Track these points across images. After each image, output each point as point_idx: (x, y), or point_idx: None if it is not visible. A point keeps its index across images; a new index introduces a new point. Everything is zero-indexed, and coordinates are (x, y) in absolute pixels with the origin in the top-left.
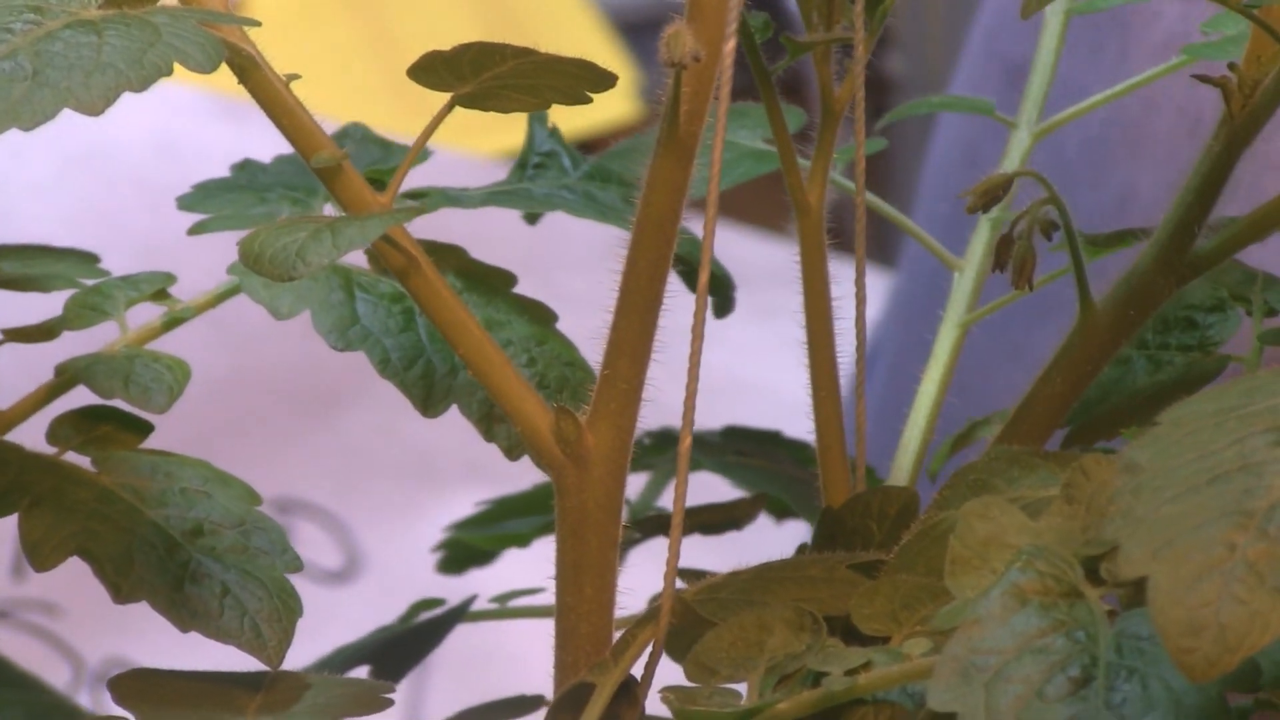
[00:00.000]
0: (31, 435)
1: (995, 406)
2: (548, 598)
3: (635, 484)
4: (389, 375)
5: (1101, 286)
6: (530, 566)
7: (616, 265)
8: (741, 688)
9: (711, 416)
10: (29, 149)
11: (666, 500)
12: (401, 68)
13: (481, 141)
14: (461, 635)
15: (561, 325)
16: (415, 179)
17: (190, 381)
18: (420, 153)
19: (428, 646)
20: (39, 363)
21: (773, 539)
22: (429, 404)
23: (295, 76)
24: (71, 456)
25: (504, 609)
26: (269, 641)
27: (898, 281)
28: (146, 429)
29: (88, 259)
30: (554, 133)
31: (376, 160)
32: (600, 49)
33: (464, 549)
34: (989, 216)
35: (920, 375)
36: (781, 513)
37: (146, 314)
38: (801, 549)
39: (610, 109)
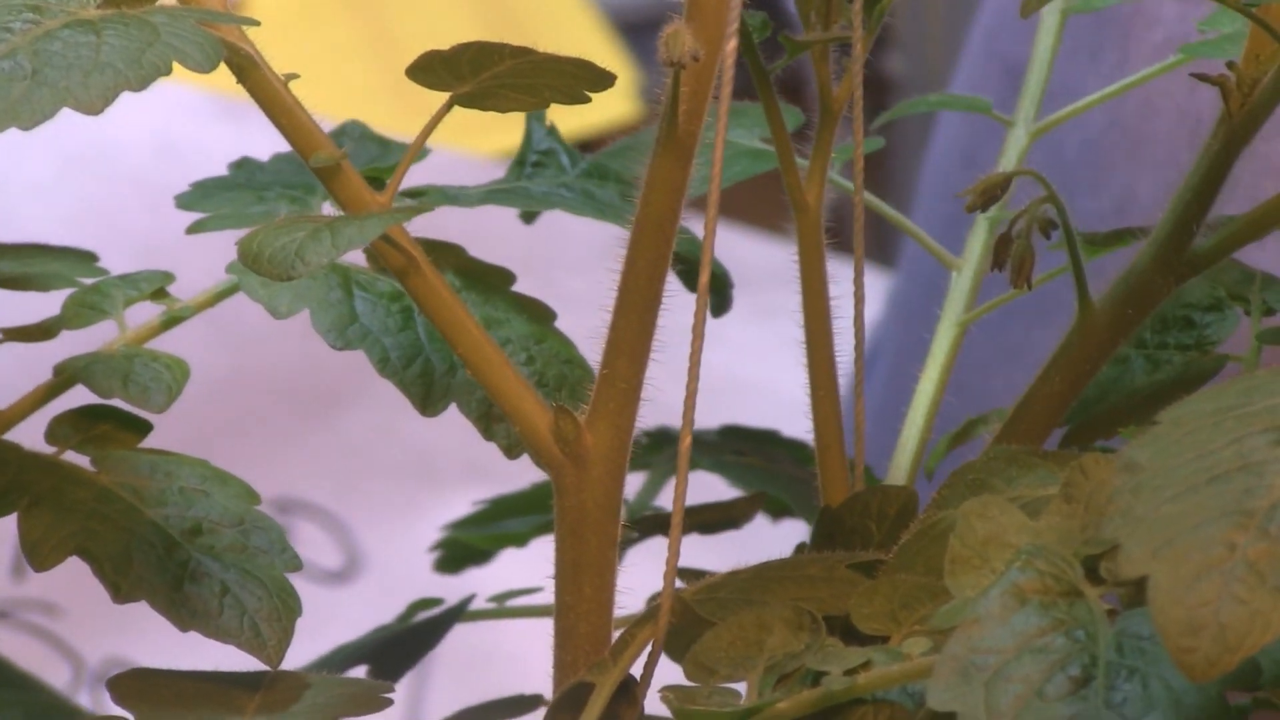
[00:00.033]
0: (30, 435)
1: (994, 406)
2: (546, 597)
3: (633, 483)
4: (388, 374)
5: (1100, 286)
6: (529, 566)
7: (615, 264)
8: (741, 687)
9: (710, 416)
10: (29, 149)
11: (664, 499)
12: (401, 67)
13: (481, 141)
14: (461, 635)
15: (560, 324)
16: (414, 178)
17: (189, 381)
18: (419, 151)
19: (426, 646)
20: (37, 362)
21: (771, 538)
22: (428, 403)
23: (294, 76)
24: (70, 456)
25: (503, 608)
26: (268, 641)
27: (897, 281)
28: (145, 428)
29: (86, 258)
30: (552, 131)
31: (375, 158)
32: (600, 49)
33: (461, 548)
34: (987, 216)
35: (913, 377)
36: (778, 511)
37: (145, 313)
38: (800, 548)
39: (610, 109)
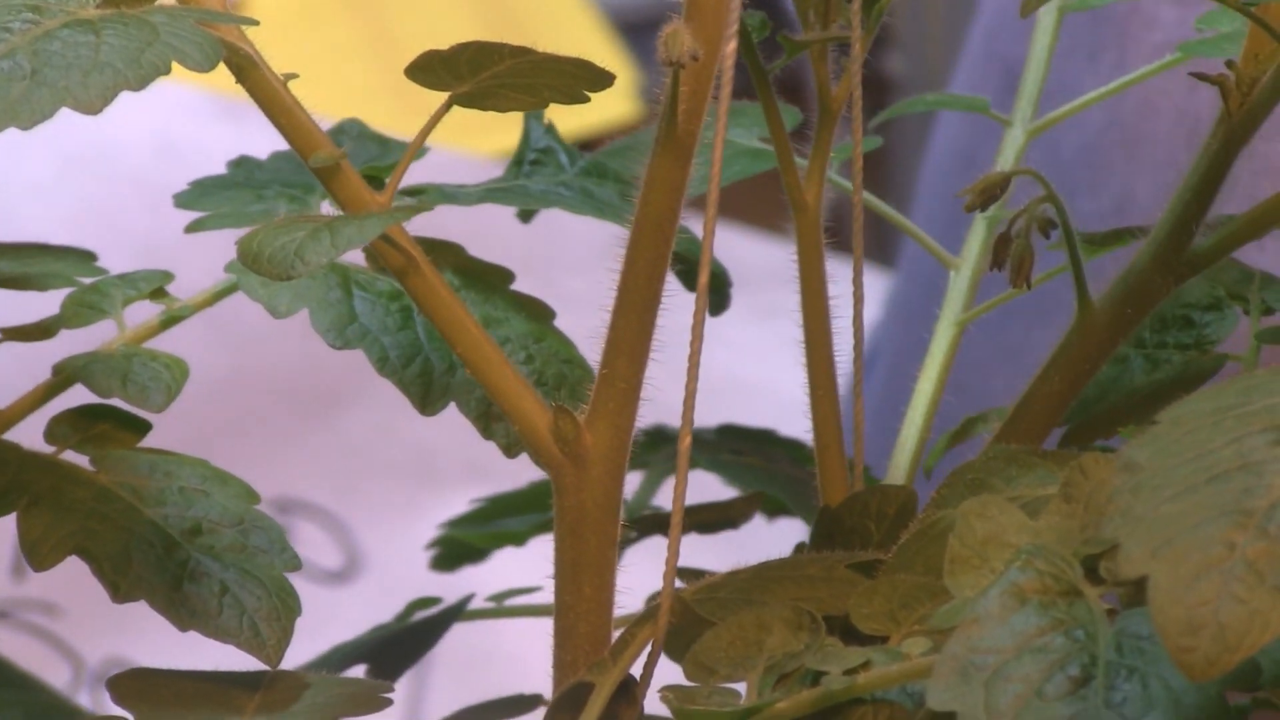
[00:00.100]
0: (29, 434)
1: (993, 406)
2: (546, 596)
3: (631, 482)
4: (387, 373)
5: (1099, 285)
6: (528, 565)
7: (615, 264)
8: (740, 687)
9: (709, 416)
10: (29, 149)
11: (662, 499)
12: (401, 67)
13: (480, 141)
14: (460, 634)
15: (560, 324)
16: (413, 177)
17: (189, 381)
18: (418, 151)
19: (425, 645)
20: (37, 361)
21: (771, 538)
22: (427, 402)
23: (293, 76)
24: (70, 455)
25: (502, 608)
26: (268, 640)
27: (896, 281)
28: (144, 428)
29: (85, 257)
30: (550, 129)
31: (374, 157)
32: (600, 49)
33: (457, 546)
34: (986, 215)
35: (912, 377)
36: (775, 510)
37: (145, 312)
38: (799, 548)
39: (609, 109)
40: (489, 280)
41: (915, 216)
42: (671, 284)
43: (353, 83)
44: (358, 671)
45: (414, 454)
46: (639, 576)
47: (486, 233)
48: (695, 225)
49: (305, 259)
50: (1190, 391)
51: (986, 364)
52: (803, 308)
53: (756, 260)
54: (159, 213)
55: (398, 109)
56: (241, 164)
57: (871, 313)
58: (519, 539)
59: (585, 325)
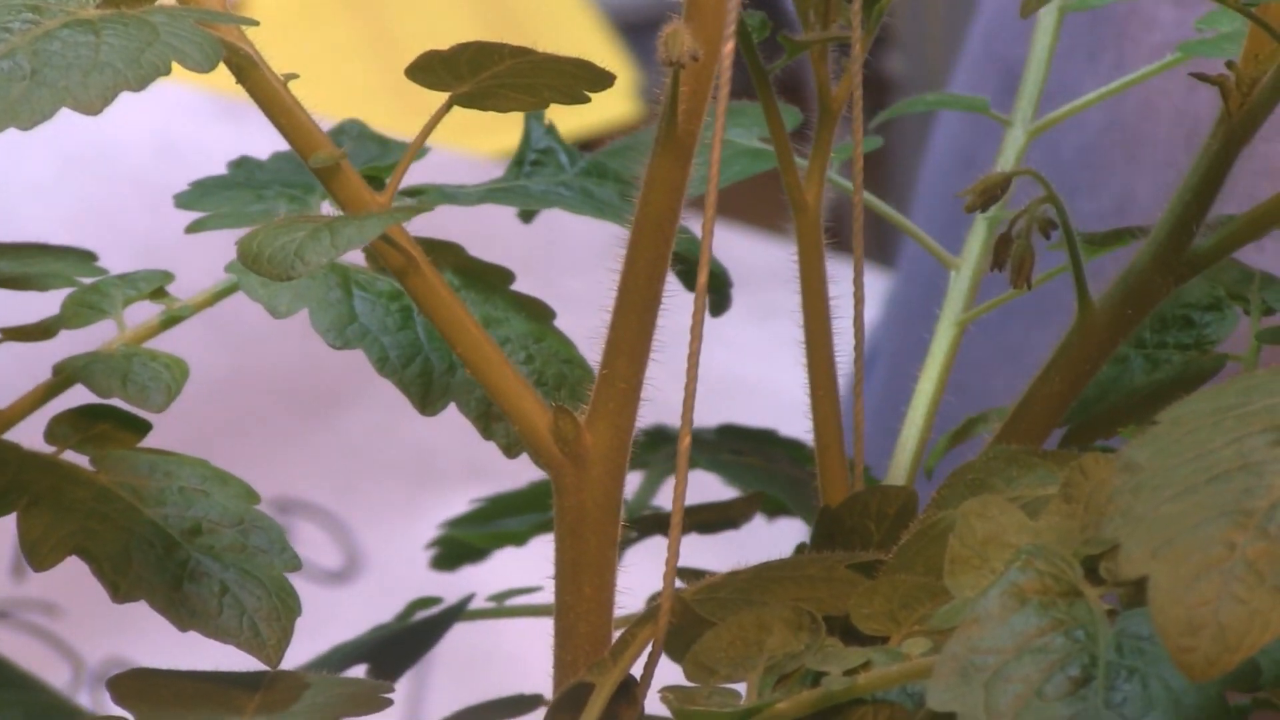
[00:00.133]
0: (30, 434)
1: (993, 406)
2: (546, 596)
3: (632, 482)
4: (387, 373)
5: (1098, 286)
6: (529, 565)
7: (615, 264)
8: (741, 687)
9: (710, 416)
10: (29, 149)
11: (663, 499)
12: (401, 67)
13: (481, 141)
14: (460, 634)
15: (560, 324)
16: (413, 177)
17: (189, 381)
18: (418, 151)
19: (425, 645)
20: (37, 362)
21: (771, 539)
22: (427, 402)
23: (293, 76)
24: (70, 455)
25: (503, 608)
26: (268, 640)
27: (896, 282)
28: (144, 428)
29: (86, 257)
30: (550, 130)
31: (374, 157)
32: (599, 49)
33: (457, 546)
34: (987, 216)
35: (911, 377)
36: (775, 510)
37: (145, 313)
38: (800, 548)
39: (609, 109)
40: (489, 280)
41: (915, 217)
42: (672, 284)
43: (353, 83)
44: (358, 671)
45: (414, 454)
46: (639, 577)
47: (486, 233)
48: (695, 225)
49: (305, 259)
50: (1190, 392)
51: (986, 364)
52: (803, 308)
53: (756, 260)
54: (159, 213)
55: (397, 109)
56: (242, 164)
57: (871, 313)
58: (519, 539)
59: (585, 325)
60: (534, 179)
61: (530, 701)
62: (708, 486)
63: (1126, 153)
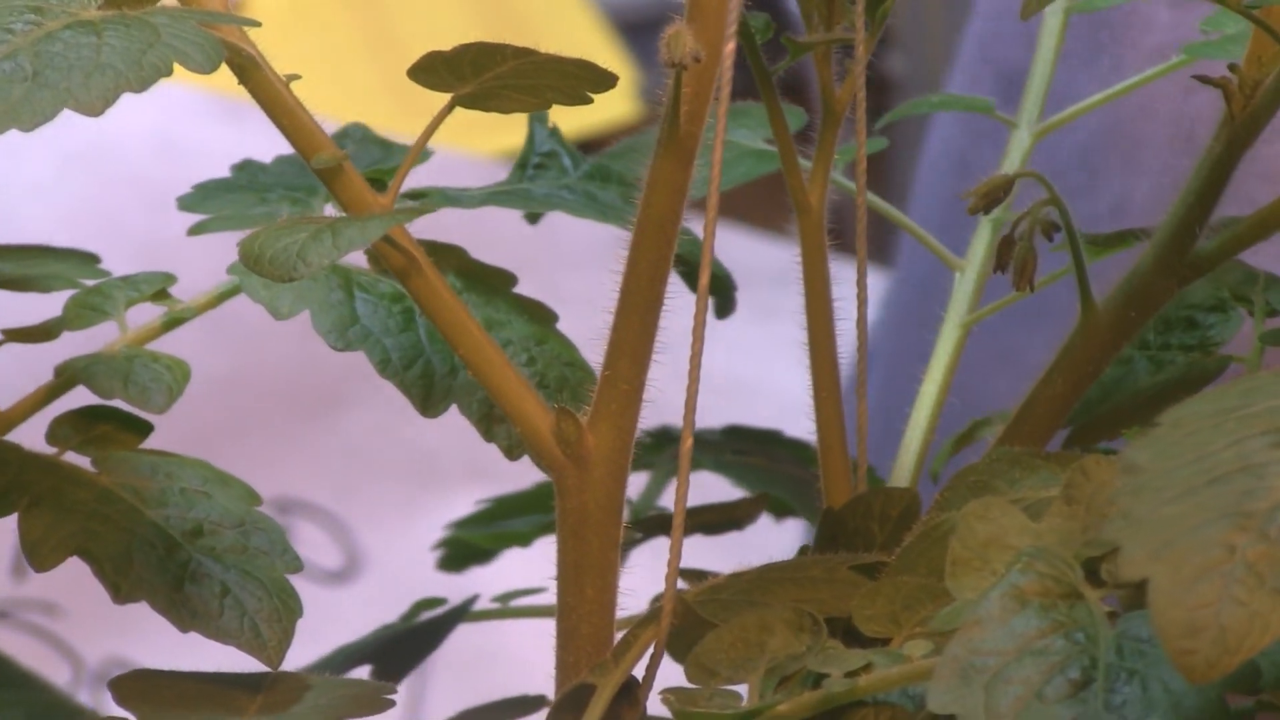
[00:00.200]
0: (31, 435)
1: (990, 408)
2: (549, 597)
3: (636, 483)
4: (389, 375)
5: (1100, 288)
6: (532, 566)
7: (617, 266)
8: (742, 689)
9: (711, 417)
10: (28, 148)
11: (667, 500)
12: (401, 68)
13: (482, 141)
14: (463, 635)
15: (562, 326)
16: (415, 179)
17: (190, 381)
18: (421, 153)
19: (429, 646)
20: (39, 363)
21: (774, 539)
22: (428, 404)
23: (295, 77)
24: (71, 456)
25: (505, 609)
26: (268, 642)
27: (892, 283)
28: (146, 429)
29: (88, 259)
30: (554, 133)
31: (377, 161)
32: (600, 49)
33: (464, 547)
34: (991, 217)
35: (914, 376)
36: (782, 512)
37: (146, 314)
38: (803, 550)
39: (610, 109)
40: (491, 283)
41: (910, 218)
42: (674, 286)
43: (353, 83)
44: (362, 672)
45: (414, 454)
46: (643, 578)
47: (488, 233)
48: (698, 226)
49: (307, 260)
50: (1194, 393)
51: (983, 366)
52: (806, 310)
53: (759, 261)
54: (158, 212)
55: (397, 109)
56: (245, 167)
57: (870, 314)
58: (524, 540)
59: (586, 326)
60: (537, 182)
61: (534, 702)
62: (716, 488)
63: (1124, 155)
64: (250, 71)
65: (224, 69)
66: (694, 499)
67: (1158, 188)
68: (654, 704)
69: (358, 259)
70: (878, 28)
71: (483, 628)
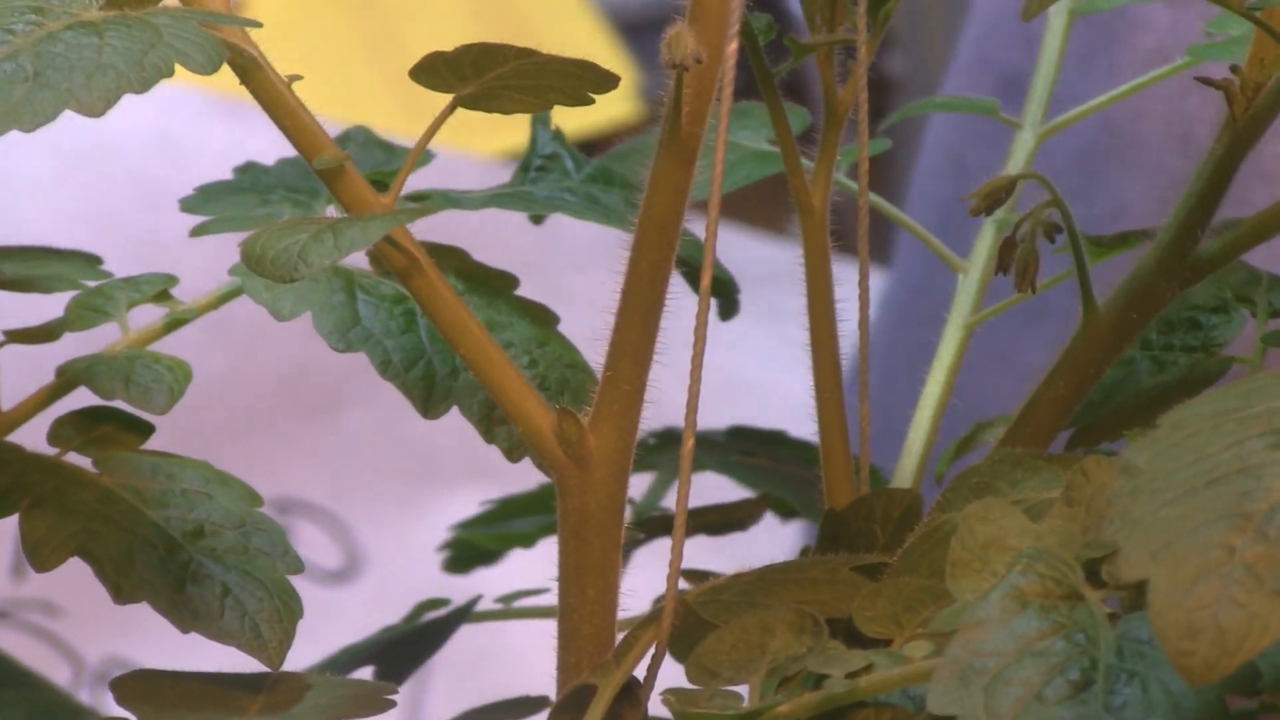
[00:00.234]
0: (33, 436)
1: (990, 409)
2: (552, 598)
3: (640, 484)
4: (390, 377)
5: (1100, 290)
6: (534, 567)
7: (619, 267)
8: (743, 690)
9: (713, 418)
10: (28, 147)
11: (671, 500)
12: (400, 68)
13: (483, 141)
14: (464, 635)
15: (564, 327)
16: (416, 180)
17: (190, 381)
18: (423, 155)
19: (432, 647)
20: (40, 364)
21: (777, 540)
22: (430, 405)
23: (297, 77)
24: (73, 457)
25: (507, 610)
26: (269, 642)
27: (888, 283)
28: (147, 430)
29: (90, 261)
30: (557, 135)
31: (379, 163)
32: (600, 49)
33: (470, 548)
34: (994, 219)
35: (911, 375)
36: (787, 513)
37: (148, 315)
38: (805, 551)
39: (610, 109)
40: (493, 285)
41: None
42: (676, 287)
43: (353, 83)
44: (365, 673)
45: (414, 454)
46: (646, 578)
47: (489, 233)
48: (700, 227)
49: (309, 261)
50: (1196, 394)
51: (979, 368)
52: (809, 311)
53: (757, 261)
54: (158, 211)
55: (397, 110)
56: (247, 169)
57: (870, 315)
58: (527, 540)
59: (588, 327)
60: (539, 184)
61: (536, 703)
62: (721, 488)
63: (1120, 157)
64: (252, 72)
65: (224, 69)
66: (700, 499)
67: (1155, 188)
68: (655, 705)
69: (360, 261)
70: (880, 29)
71: (484, 628)
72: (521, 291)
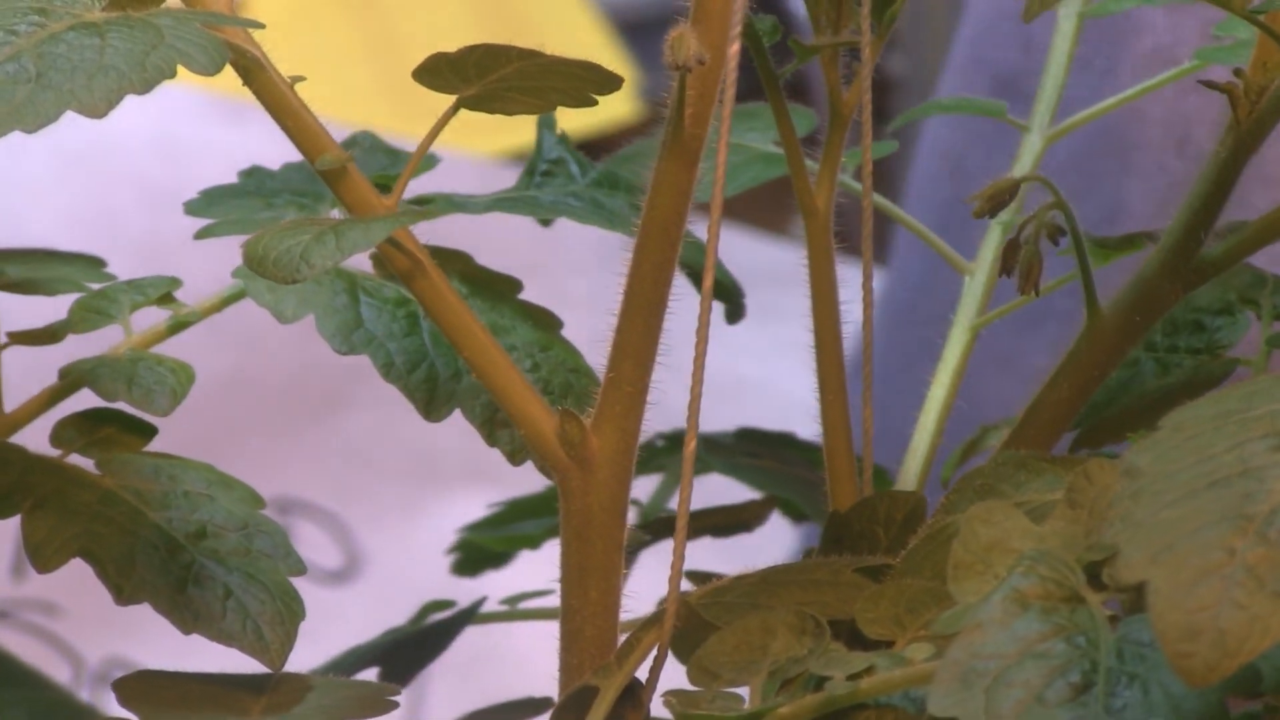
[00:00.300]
0: (36, 438)
1: (992, 411)
2: (555, 600)
3: (648, 486)
4: (392, 379)
5: (1103, 293)
6: (537, 568)
7: (621, 268)
8: (744, 692)
9: (717, 419)
10: (28, 147)
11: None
12: (400, 68)
13: (484, 141)
14: (467, 636)
15: (566, 329)
16: (419, 181)
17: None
18: (427, 159)
19: (436, 649)
20: (44, 366)
21: (781, 541)
22: (432, 408)
23: (300, 78)
24: (75, 459)
25: (509, 611)
26: (271, 644)
27: (886, 283)
28: (150, 432)
29: (94, 263)
30: (563, 140)
31: (384, 167)
32: (600, 49)
33: (478, 551)
34: (1000, 220)
35: (908, 376)
36: (797, 515)
37: (152, 318)
38: (809, 553)
39: (609, 109)
40: (496, 289)
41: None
42: (678, 288)
43: (353, 83)
44: (370, 674)
45: (414, 455)
46: (652, 580)
47: (492, 235)
48: (702, 229)
49: (311, 262)
50: (1201, 396)
51: (984, 369)
52: (813, 312)
53: (758, 261)
54: (159, 212)
55: (397, 110)
56: (252, 173)
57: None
58: (533, 542)
59: (591, 328)
60: (544, 189)
61: (540, 704)
62: (730, 490)
63: (1118, 158)
64: (255, 73)
65: (225, 69)
66: (708, 501)
67: (1154, 190)
68: (658, 707)
69: (363, 263)
70: (885, 31)
71: (486, 629)
72: (524, 292)
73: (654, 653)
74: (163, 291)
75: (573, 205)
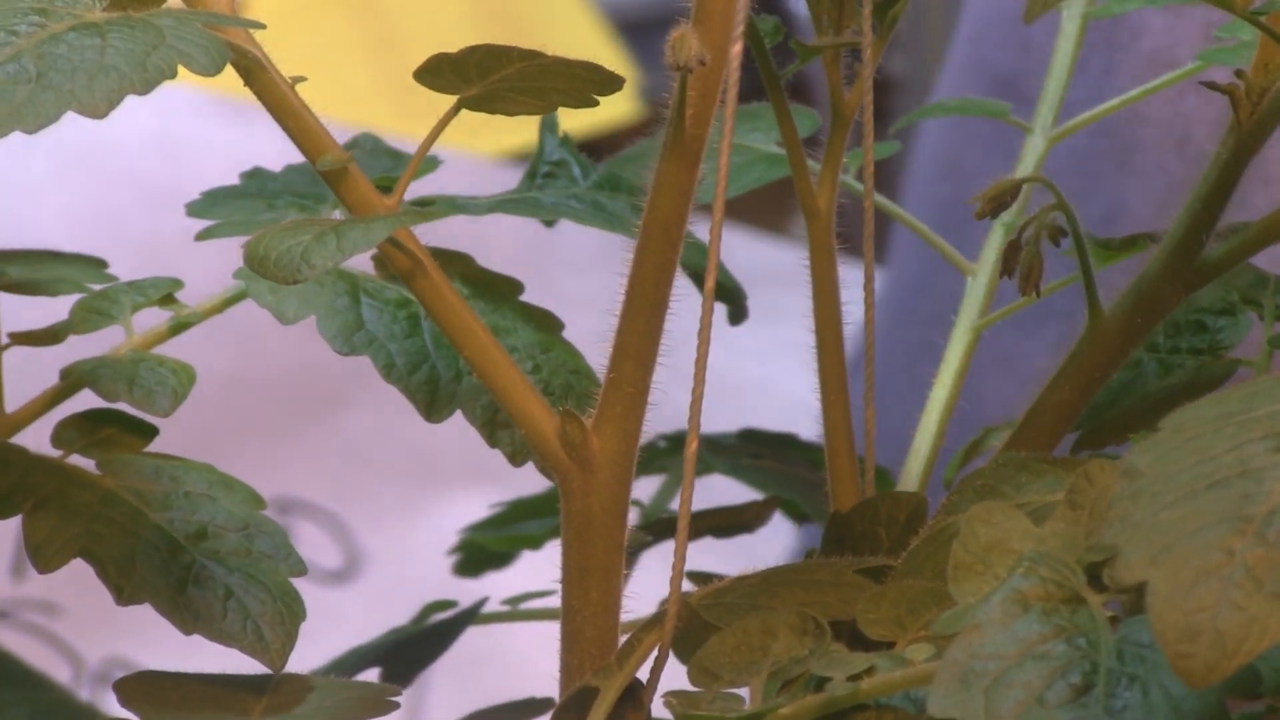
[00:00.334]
0: (37, 439)
1: (993, 412)
2: (556, 600)
3: (650, 487)
4: (393, 380)
5: (1104, 294)
6: (538, 568)
7: (622, 269)
8: (745, 692)
9: (717, 419)
10: (28, 147)
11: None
12: (399, 68)
13: (485, 141)
14: (467, 637)
15: (567, 329)
16: (420, 181)
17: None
18: (429, 161)
19: (438, 649)
20: (45, 367)
21: (785, 543)
22: (433, 409)
23: (301, 79)
24: (76, 459)
25: (510, 611)
26: (271, 645)
27: (885, 283)
28: (151, 432)
29: (95, 264)
30: (565, 141)
31: (386, 170)
32: (600, 49)
33: (480, 551)
34: (1002, 221)
35: (908, 375)
36: (799, 516)
37: (153, 318)
38: (810, 553)
39: (609, 109)
40: (498, 290)
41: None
42: (679, 288)
43: (352, 83)
44: (372, 674)
45: (415, 455)
46: (654, 580)
47: (493, 234)
48: (701, 229)
49: (311, 262)
50: (1202, 397)
51: (985, 370)
52: (815, 313)
53: (762, 262)
54: (160, 213)
55: (395, 111)
56: (254, 175)
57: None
58: (535, 542)
59: (591, 329)
60: (546, 191)
61: (540, 705)
62: (732, 491)
63: (1117, 159)
64: (256, 73)
65: (226, 69)
66: (710, 502)
67: (1153, 190)
68: (658, 707)
69: (365, 265)
70: (887, 32)
71: (487, 629)
72: (524, 295)
73: (655, 653)
74: (164, 292)
75: (574, 207)
